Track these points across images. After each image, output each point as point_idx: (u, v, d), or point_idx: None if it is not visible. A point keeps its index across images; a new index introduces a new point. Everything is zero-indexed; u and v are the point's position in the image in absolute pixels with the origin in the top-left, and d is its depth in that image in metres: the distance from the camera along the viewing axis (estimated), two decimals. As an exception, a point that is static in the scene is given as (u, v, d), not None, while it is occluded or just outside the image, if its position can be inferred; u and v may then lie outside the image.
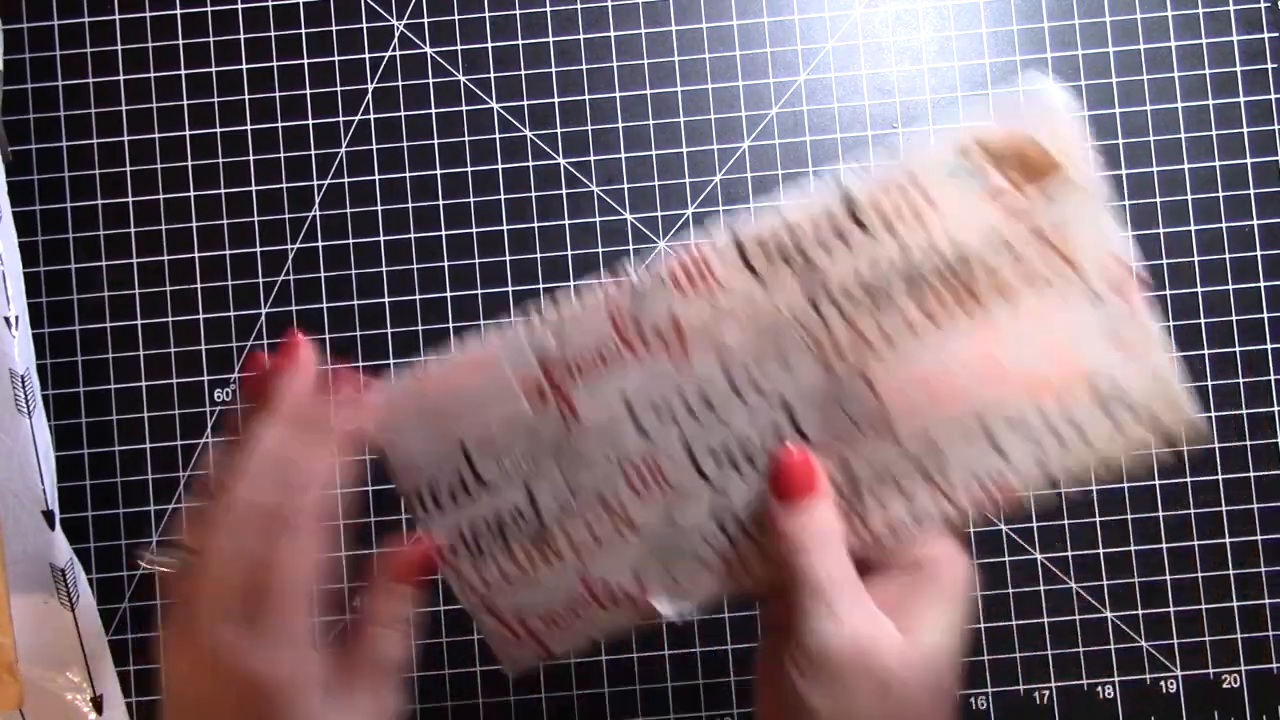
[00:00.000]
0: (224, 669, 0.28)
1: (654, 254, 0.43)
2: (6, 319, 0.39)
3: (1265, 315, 0.43)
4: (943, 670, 0.29)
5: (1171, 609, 0.42)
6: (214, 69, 0.44)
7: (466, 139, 0.43)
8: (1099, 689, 0.42)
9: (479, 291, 0.43)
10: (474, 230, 0.43)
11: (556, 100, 0.44)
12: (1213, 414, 0.43)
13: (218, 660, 0.28)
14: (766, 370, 0.31)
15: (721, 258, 0.31)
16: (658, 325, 0.31)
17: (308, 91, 0.44)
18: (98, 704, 0.40)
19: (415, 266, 0.43)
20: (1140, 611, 0.42)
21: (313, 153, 0.44)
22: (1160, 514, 0.43)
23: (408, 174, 0.43)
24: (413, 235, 0.43)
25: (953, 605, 0.29)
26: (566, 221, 0.43)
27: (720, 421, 0.31)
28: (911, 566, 0.30)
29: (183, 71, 0.44)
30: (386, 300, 0.43)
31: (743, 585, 0.32)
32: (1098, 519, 0.43)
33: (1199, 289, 0.43)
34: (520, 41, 0.44)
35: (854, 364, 0.30)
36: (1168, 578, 0.42)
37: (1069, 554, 0.42)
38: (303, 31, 0.44)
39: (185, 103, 0.44)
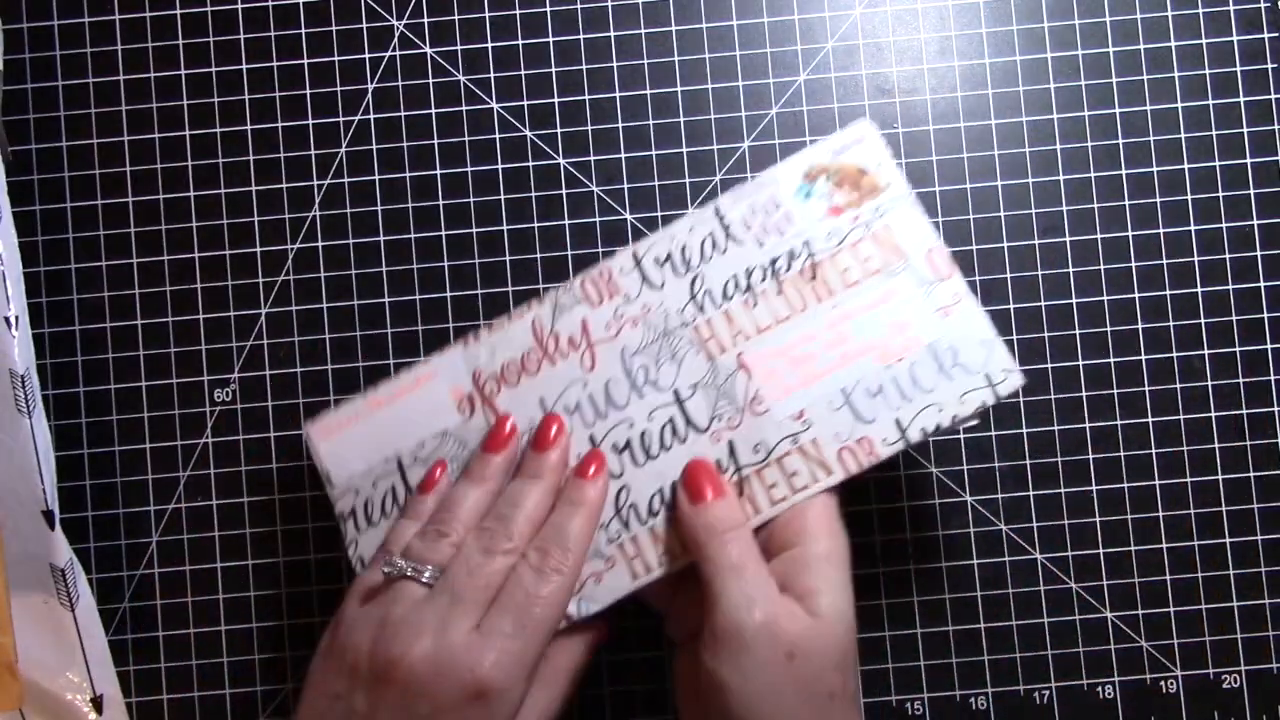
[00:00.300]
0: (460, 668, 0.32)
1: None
2: (6, 319, 0.39)
3: (1265, 315, 0.43)
4: (840, 633, 0.32)
5: (1171, 609, 0.42)
6: (214, 69, 0.44)
7: (466, 139, 0.43)
8: (1099, 689, 0.42)
9: (479, 291, 0.43)
10: (474, 230, 0.43)
11: (556, 100, 0.44)
12: (1213, 414, 0.43)
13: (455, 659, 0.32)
14: (661, 367, 0.36)
15: (622, 270, 0.37)
16: (572, 334, 0.37)
17: (308, 91, 0.44)
18: (98, 704, 0.40)
19: (415, 266, 0.43)
20: (1140, 611, 0.42)
21: (313, 153, 0.44)
22: (1160, 514, 0.43)
23: (408, 174, 0.43)
24: (413, 235, 0.43)
25: (838, 571, 0.34)
26: (566, 221, 0.43)
27: (623, 418, 0.36)
28: (796, 542, 0.34)
29: (183, 71, 0.44)
30: (386, 300, 0.43)
31: (644, 586, 0.36)
32: (1098, 519, 0.43)
33: (1199, 289, 0.43)
34: (520, 41, 0.44)
35: (731, 351, 0.36)
36: (1168, 578, 0.42)
37: (1069, 554, 0.42)
38: (303, 31, 0.44)
39: (185, 103, 0.44)
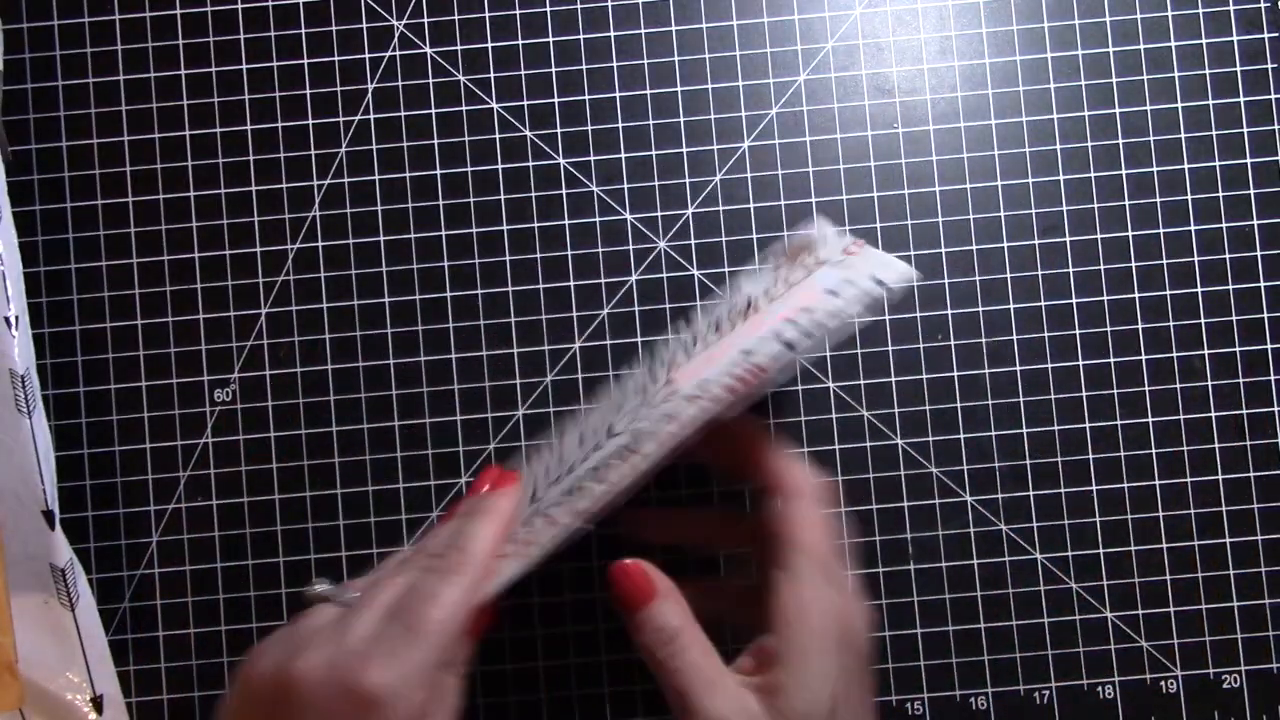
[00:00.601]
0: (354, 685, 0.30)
1: (653, 254, 0.43)
2: (6, 319, 0.39)
3: (1265, 315, 0.43)
4: None
5: (1171, 609, 0.42)
6: (214, 69, 0.44)
7: (466, 139, 0.43)
8: (1099, 689, 0.42)
9: (479, 291, 0.43)
10: (474, 230, 0.43)
11: (556, 100, 0.44)
12: (1213, 414, 0.43)
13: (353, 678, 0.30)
14: (606, 418, 0.36)
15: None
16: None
17: (308, 91, 0.44)
18: (98, 704, 0.40)
19: (415, 266, 0.43)
20: (1140, 611, 0.42)
21: (313, 153, 0.44)
22: (1160, 514, 0.43)
23: (408, 174, 0.43)
24: (413, 235, 0.43)
25: (822, 656, 0.32)
26: (566, 221, 0.43)
27: (569, 471, 0.35)
28: (780, 623, 0.32)
29: (183, 71, 0.44)
30: (386, 300, 0.43)
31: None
32: (1098, 519, 0.42)
33: (1199, 289, 0.43)
34: (520, 41, 0.44)
35: (662, 378, 0.35)
36: (1168, 578, 0.42)
37: (1069, 554, 0.42)
38: (303, 31, 0.44)
39: (185, 103, 0.44)
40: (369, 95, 0.44)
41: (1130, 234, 0.43)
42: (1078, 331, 0.43)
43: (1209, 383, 0.43)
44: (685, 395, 0.34)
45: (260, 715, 0.30)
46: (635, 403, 0.35)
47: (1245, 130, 0.43)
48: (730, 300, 0.37)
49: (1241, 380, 0.43)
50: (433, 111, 0.44)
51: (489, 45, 0.44)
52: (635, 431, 0.34)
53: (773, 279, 0.36)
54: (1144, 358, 0.43)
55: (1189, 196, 0.43)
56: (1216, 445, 0.43)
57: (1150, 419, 0.43)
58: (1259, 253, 0.43)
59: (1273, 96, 0.43)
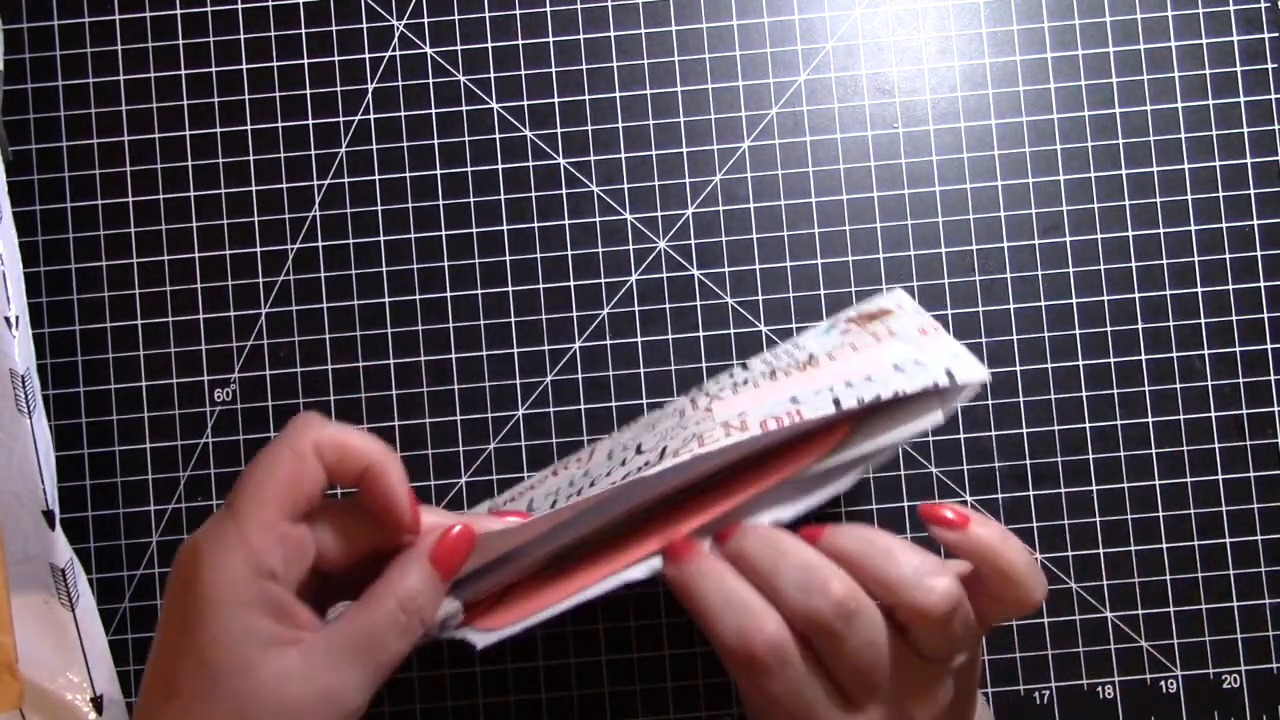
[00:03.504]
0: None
1: (653, 254, 0.43)
2: (6, 319, 0.39)
3: (1265, 315, 0.43)
4: None
5: (1171, 609, 0.42)
6: (214, 69, 0.44)
7: (466, 139, 0.43)
8: (1099, 689, 0.42)
9: (479, 291, 0.43)
10: (474, 230, 0.43)
11: (556, 100, 0.44)
12: (1213, 414, 0.43)
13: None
14: (638, 436, 0.35)
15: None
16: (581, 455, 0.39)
17: (308, 91, 0.44)
18: (98, 704, 0.40)
19: (415, 266, 0.43)
20: (1140, 611, 0.42)
21: (313, 153, 0.44)
22: (1160, 514, 0.43)
23: (408, 174, 0.43)
24: (413, 235, 0.43)
25: None
26: (566, 221, 0.43)
27: (591, 485, 0.34)
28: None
29: (183, 71, 0.44)
30: (386, 300, 0.43)
31: None
32: (1098, 519, 0.42)
33: (1199, 289, 0.43)
34: (520, 41, 0.44)
35: (703, 405, 0.34)
36: (1168, 578, 0.42)
37: (1069, 554, 0.42)
38: (303, 31, 0.44)
39: (185, 103, 0.44)
40: (369, 95, 0.44)
41: (1130, 234, 0.43)
42: (1078, 331, 0.43)
43: (1209, 383, 0.43)
44: (720, 421, 0.32)
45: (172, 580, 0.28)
46: (670, 424, 0.34)
47: (1245, 130, 0.43)
48: (791, 353, 0.36)
49: (1241, 380, 0.43)
50: (433, 111, 0.44)
51: (489, 45, 0.44)
52: (661, 449, 0.32)
53: (839, 341, 0.35)
54: (1144, 358, 0.43)
55: (1189, 196, 0.43)
56: (1216, 445, 0.43)
57: (1150, 419, 0.43)
58: (1259, 253, 0.43)
59: (1273, 96, 0.43)
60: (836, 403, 0.30)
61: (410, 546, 0.29)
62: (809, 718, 0.29)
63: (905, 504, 0.43)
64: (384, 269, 0.43)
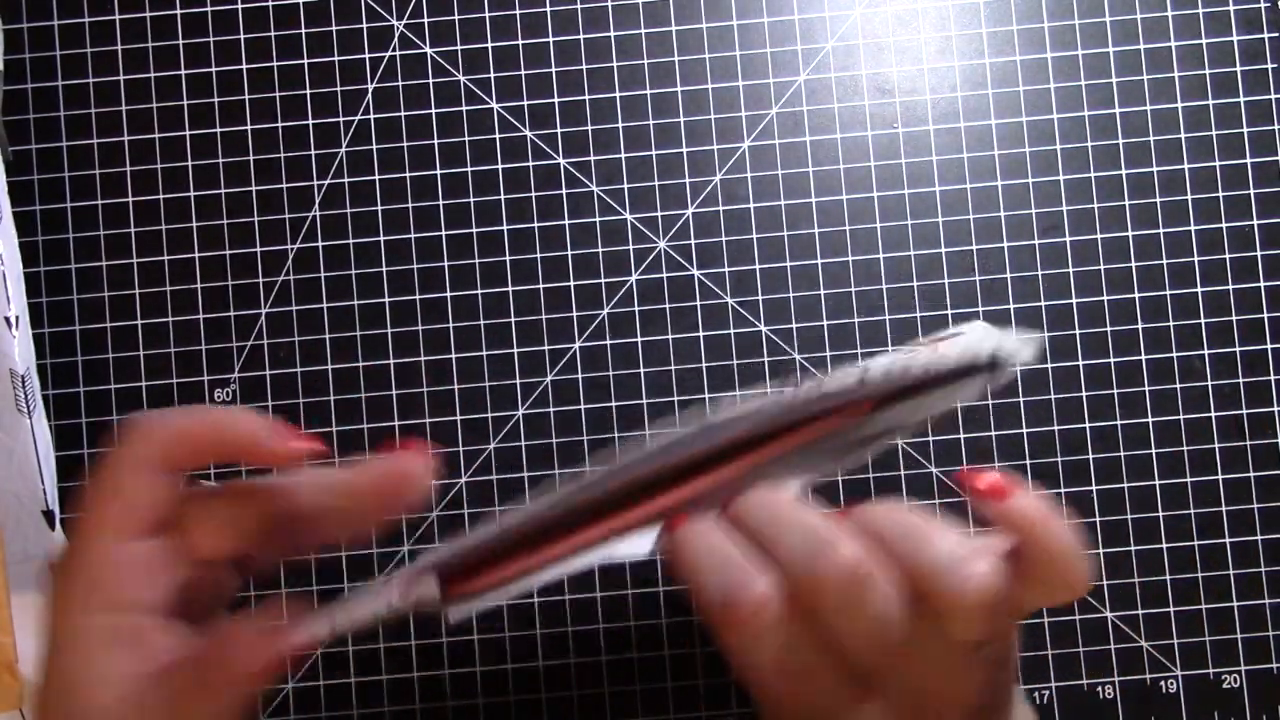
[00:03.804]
0: None
1: (653, 254, 0.43)
2: (6, 319, 0.39)
3: (1265, 315, 0.43)
4: None
5: (1171, 609, 0.42)
6: (214, 69, 0.44)
7: (466, 139, 0.43)
8: (1099, 689, 0.42)
9: (479, 291, 0.43)
10: (474, 230, 0.43)
11: (556, 100, 0.44)
12: (1213, 414, 0.43)
13: None
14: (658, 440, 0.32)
15: None
16: None
17: (308, 91, 0.44)
18: (98, 704, 0.40)
19: (415, 266, 0.43)
20: (1140, 611, 0.42)
21: (313, 153, 0.44)
22: (1160, 514, 0.43)
23: (408, 174, 0.43)
24: (413, 235, 0.43)
25: None
26: (566, 221, 0.43)
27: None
28: None
29: (183, 71, 0.44)
30: (386, 300, 0.43)
31: None
32: (1098, 519, 0.43)
33: (1199, 289, 0.43)
34: (520, 41, 0.44)
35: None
36: (1168, 578, 0.42)
37: (1069, 554, 0.42)
38: (303, 31, 0.44)
39: (185, 103, 0.44)
40: (369, 95, 0.44)
41: (1130, 234, 0.43)
42: (1078, 331, 0.43)
43: (1209, 383, 0.43)
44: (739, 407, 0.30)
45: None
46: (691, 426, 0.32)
47: (1245, 130, 0.43)
48: (844, 373, 0.32)
49: (1241, 380, 0.43)
50: (433, 111, 0.44)
51: (489, 45, 0.44)
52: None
53: (893, 358, 0.31)
54: (1144, 358, 0.43)
55: (1189, 196, 0.43)
56: (1216, 445, 0.43)
57: (1150, 419, 0.43)
58: (1259, 253, 0.43)
59: (1273, 96, 0.43)
60: (861, 380, 0.28)
61: (239, 621, 0.26)
62: (808, 699, 0.25)
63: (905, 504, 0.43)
64: (384, 269, 0.43)
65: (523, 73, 0.44)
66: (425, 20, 0.44)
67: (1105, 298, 0.43)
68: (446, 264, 0.43)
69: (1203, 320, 0.43)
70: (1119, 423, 0.43)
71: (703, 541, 0.26)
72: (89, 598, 0.25)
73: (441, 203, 0.43)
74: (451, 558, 0.29)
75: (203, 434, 0.26)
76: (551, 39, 0.44)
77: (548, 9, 0.44)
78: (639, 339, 0.43)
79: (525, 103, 0.44)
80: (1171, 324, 0.43)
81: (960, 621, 0.24)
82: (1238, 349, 0.43)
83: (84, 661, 0.25)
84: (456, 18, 0.44)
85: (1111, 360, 0.43)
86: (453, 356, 0.43)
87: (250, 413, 0.27)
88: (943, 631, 0.25)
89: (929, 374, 0.28)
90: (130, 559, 0.25)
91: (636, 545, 0.29)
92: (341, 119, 0.44)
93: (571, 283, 0.43)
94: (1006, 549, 0.26)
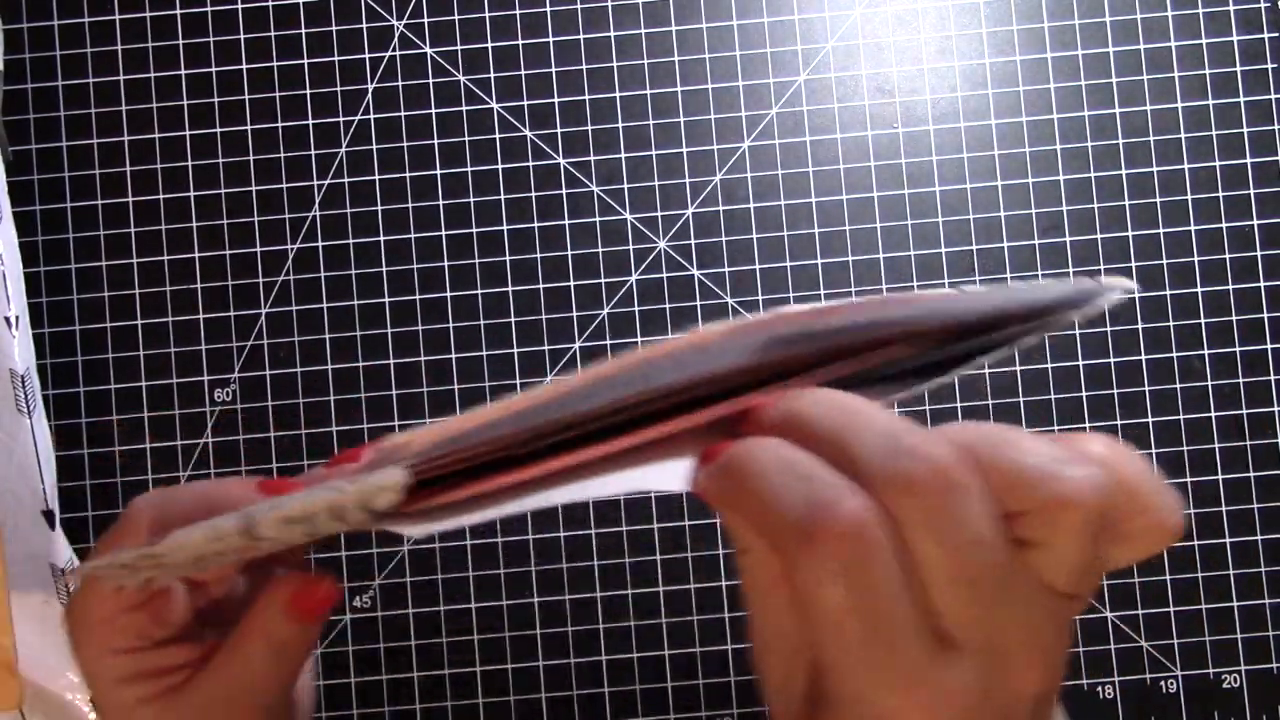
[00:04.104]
0: None
1: (653, 254, 0.43)
2: (6, 319, 0.39)
3: (1265, 315, 0.43)
4: None
5: (1171, 609, 0.42)
6: (214, 69, 0.44)
7: (466, 139, 0.43)
8: (1099, 689, 0.42)
9: (479, 291, 0.43)
10: (474, 230, 0.43)
11: (556, 100, 0.44)
12: (1213, 414, 0.43)
13: None
14: None
15: None
16: None
17: (308, 91, 0.44)
18: (98, 704, 0.40)
19: (415, 266, 0.43)
20: (1140, 611, 0.42)
21: (313, 153, 0.44)
22: (1160, 514, 0.43)
23: (408, 174, 0.43)
24: (413, 235, 0.43)
25: None
26: (566, 221, 0.43)
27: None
28: None
29: (183, 71, 0.44)
30: (386, 300, 0.43)
31: None
32: (1098, 519, 0.42)
33: (1199, 289, 0.43)
34: (520, 41, 0.44)
35: None
36: (1168, 578, 0.42)
37: (1069, 554, 0.42)
38: (303, 31, 0.44)
39: (185, 103, 0.44)
40: (369, 95, 0.44)
41: (1130, 234, 0.43)
42: (1078, 331, 0.43)
43: (1209, 383, 0.43)
44: None
45: None
46: None
47: (1245, 130, 0.43)
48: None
49: (1241, 380, 0.43)
50: (433, 111, 0.44)
51: (489, 45, 0.44)
52: None
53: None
54: (1144, 358, 0.43)
55: (1189, 196, 0.43)
56: (1216, 445, 0.43)
57: (1150, 419, 0.43)
58: (1259, 253, 0.43)
59: (1273, 96, 0.43)
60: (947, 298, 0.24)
61: (276, 579, 0.27)
62: (878, 652, 0.20)
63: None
64: (384, 269, 0.43)
65: (523, 73, 0.44)
66: (425, 20, 0.44)
67: (1105, 298, 0.43)
68: (446, 264, 0.43)
69: (1203, 320, 0.43)
70: (1119, 423, 0.43)
71: (771, 455, 0.21)
72: (98, 649, 0.26)
73: (441, 203, 0.43)
74: (421, 455, 0.23)
75: (193, 512, 0.26)
76: (551, 39, 0.44)
77: (548, 9, 0.44)
78: (639, 339, 0.43)
79: (525, 103, 0.44)
80: (1171, 324, 0.43)
81: (1063, 541, 0.20)
82: (1238, 349, 0.43)
83: (109, 697, 0.27)
84: (456, 18, 0.44)
85: (1111, 360, 0.43)
86: (453, 357, 0.43)
87: (236, 480, 0.27)
88: (1034, 574, 0.21)
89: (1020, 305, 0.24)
90: (125, 625, 0.26)
91: (663, 477, 0.22)
92: (341, 119, 0.44)
93: (571, 283, 0.43)
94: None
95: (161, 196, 0.44)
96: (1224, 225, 0.43)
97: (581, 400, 0.23)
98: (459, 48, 0.44)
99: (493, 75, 0.44)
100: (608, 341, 0.43)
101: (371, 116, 0.44)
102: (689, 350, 0.22)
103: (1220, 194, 0.43)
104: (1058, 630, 0.21)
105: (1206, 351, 0.43)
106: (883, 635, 0.20)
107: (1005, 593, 0.20)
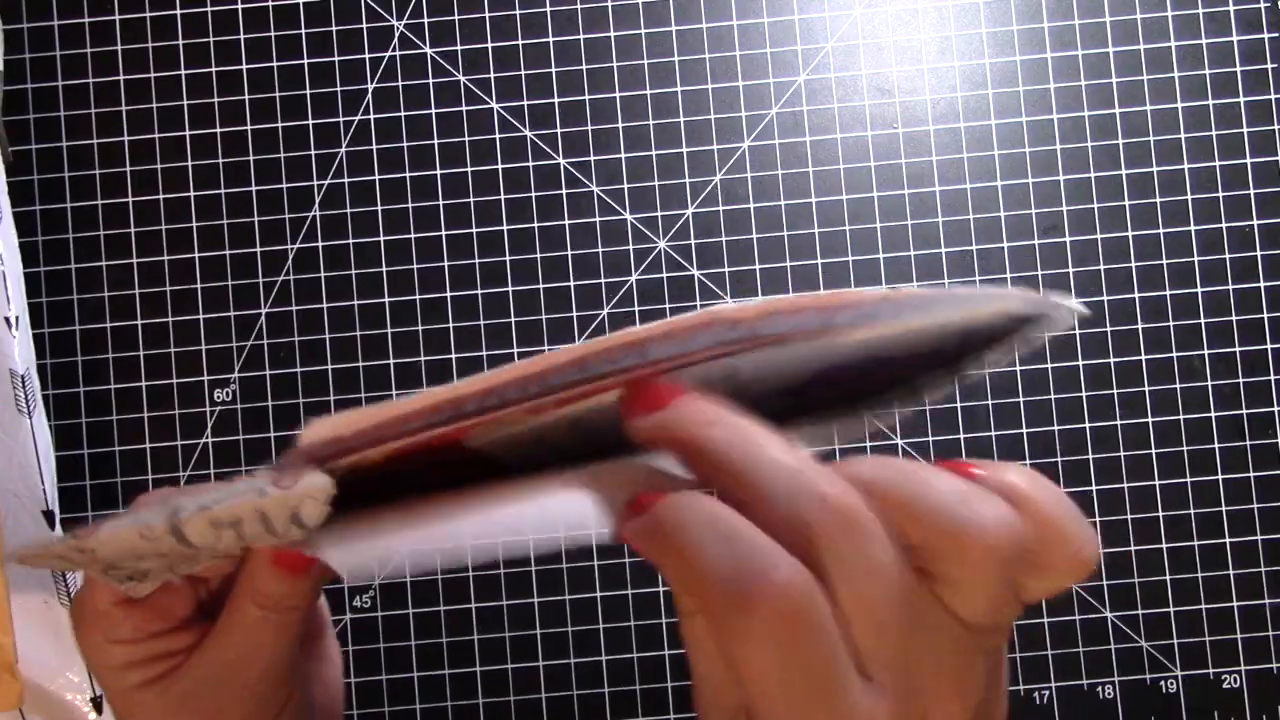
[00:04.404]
0: None
1: (653, 254, 0.43)
2: (6, 319, 0.39)
3: (1265, 315, 0.43)
4: None
5: (1171, 609, 0.42)
6: (214, 69, 0.44)
7: (466, 139, 0.43)
8: (1099, 689, 0.42)
9: (479, 291, 0.43)
10: (474, 230, 0.43)
11: (556, 100, 0.44)
12: (1213, 414, 0.43)
13: None
14: None
15: None
16: None
17: (308, 91, 0.44)
18: (98, 704, 0.40)
19: (415, 266, 0.43)
20: (1140, 611, 0.42)
21: (313, 153, 0.44)
22: (1160, 514, 0.43)
23: (408, 174, 0.43)
24: (413, 235, 0.43)
25: None
26: (566, 221, 0.43)
27: None
28: None
29: (183, 71, 0.44)
30: (386, 300, 0.43)
31: None
32: (1098, 519, 0.43)
33: (1199, 289, 0.43)
34: (520, 41, 0.44)
35: None
36: (1168, 578, 0.42)
37: (1069, 554, 0.42)
38: (303, 31, 0.44)
39: (185, 103, 0.44)
40: (369, 95, 0.44)
41: (1130, 234, 0.43)
42: (1078, 331, 0.43)
43: (1209, 383, 0.43)
44: None
45: None
46: None
47: (1245, 130, 0.43)
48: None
49: (1241, 380, 0.43)
50: (433, 111, 0.44)
51: (489, 45, 0.44)
52: None
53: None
54: (1144, 358, 0.43)
55: (1189, 196, 0.43)
56: (1216, 445, 0.43)
57: (1150, 419, 0.43)
58: (1259, 253, 0.43)
59: (1273, 96, 0.43)
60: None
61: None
62: (817, 706, 0.20)
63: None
64: (384, 269, 0.43)
65: (523, 73, 0.44)
66: (425, 20, 0.44)
67: (1105, 298, 0.43)
68: (446, 264, 0.43)
69: (1203, 320, 0.43)
70: (1119, 423, 0.43)
71: (695, 513, 0.20)
72: (102, 642, 0.27)
73: (441, 203, 0.43)
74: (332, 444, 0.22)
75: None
76: (551, 39, 0.44)
77: (548, 9, 0.44)
78: (639, 339, 0.43)
79: (525, 103, 0.44)
80: (1171, 324, 0.43)
81: (970, 578, 0.20)
82: (1238, 349, 0.43)
83: (116, 685, 0.27)
84: (456, 18, 0.44)
85: (1111, 360, 0.43)
86: (453, 357, 0.43)
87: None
88: (943, 610, 0.21)
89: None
90: (120, 619, 0.27)
91: (575, 507, 0.22)
92: (341, 119, 0.44)
93: (571, 283, 0.43)
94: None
95: (161, 196, 0.44)
96: (1224, 225, 0.43)
97: (490, 397, 0.23)
98: (459, 48, 0.44)
99: (493, 75, 0.44)
100: (608, 341, 0.43)
101: (371, 116, 0.44)
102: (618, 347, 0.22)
103: (1220, 194, 0.43)
104: (973, 661, 0.21)
105: (1206, 351, 0.43)
106: (813, 690, 0.20)
107: (915, 628, 0.20)
